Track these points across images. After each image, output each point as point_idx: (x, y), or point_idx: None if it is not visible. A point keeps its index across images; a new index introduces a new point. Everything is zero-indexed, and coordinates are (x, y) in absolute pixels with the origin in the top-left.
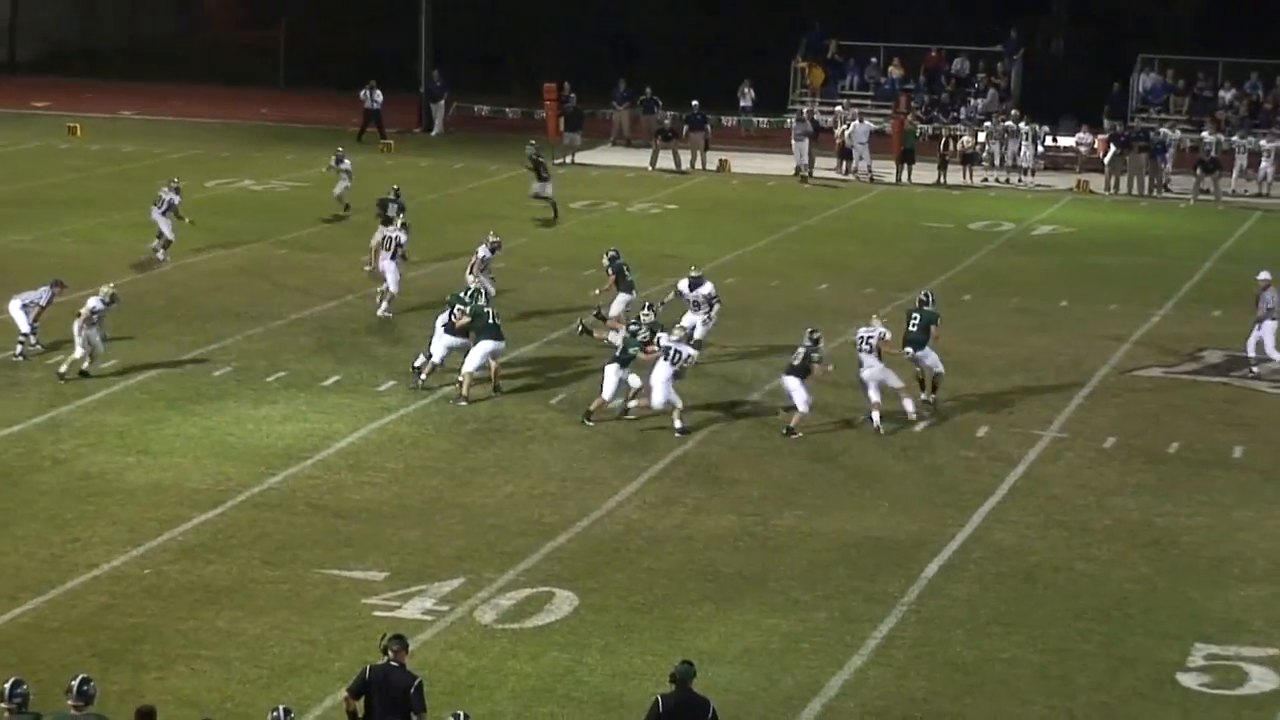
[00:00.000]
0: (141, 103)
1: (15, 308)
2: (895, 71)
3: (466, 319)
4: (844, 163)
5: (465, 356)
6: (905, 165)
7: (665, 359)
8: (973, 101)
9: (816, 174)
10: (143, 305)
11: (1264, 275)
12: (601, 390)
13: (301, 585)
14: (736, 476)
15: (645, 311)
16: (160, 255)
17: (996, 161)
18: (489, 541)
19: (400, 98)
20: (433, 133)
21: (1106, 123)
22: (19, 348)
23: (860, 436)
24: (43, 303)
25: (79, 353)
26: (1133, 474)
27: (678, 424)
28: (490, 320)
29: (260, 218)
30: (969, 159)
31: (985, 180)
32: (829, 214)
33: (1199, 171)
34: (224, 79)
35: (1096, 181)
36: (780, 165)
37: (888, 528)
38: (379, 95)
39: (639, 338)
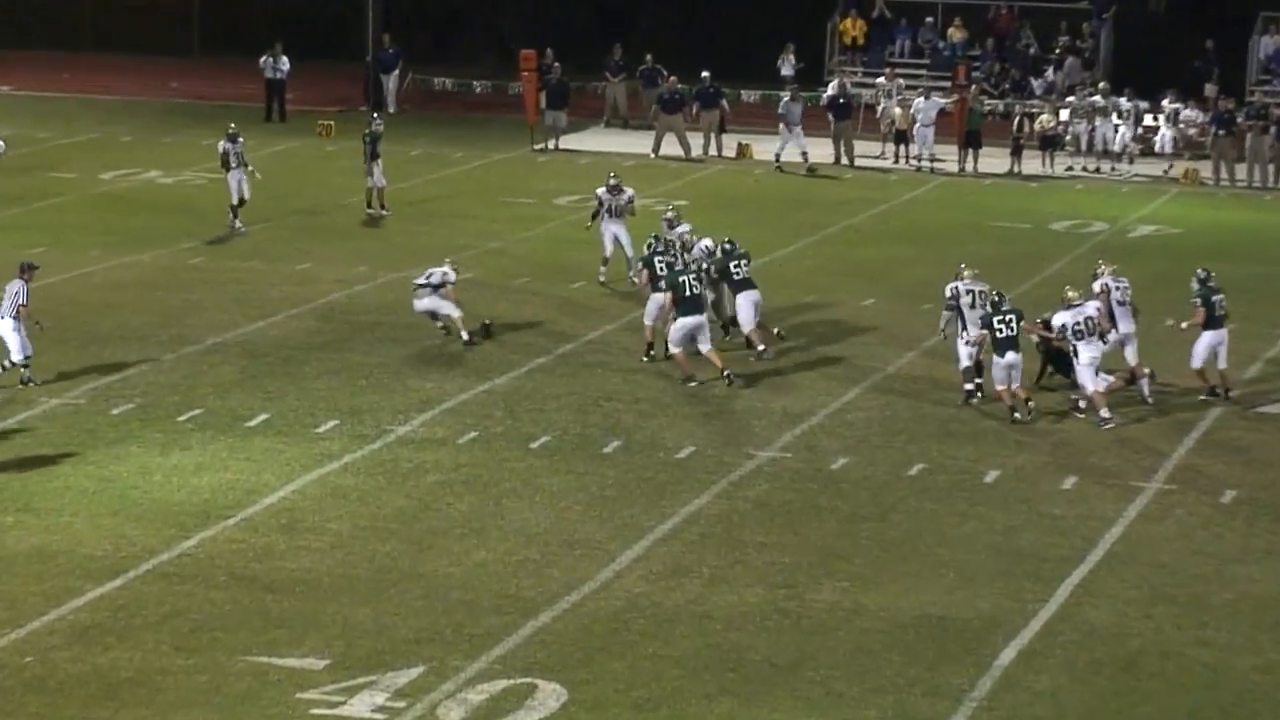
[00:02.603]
0: (21, 75)
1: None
2: (956, 34)
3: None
4: (897, 147)
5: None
6: (969, 151)
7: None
8: (1050, 73)
9: (859, 162)
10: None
11: None
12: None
13: (222, 676)
14: (763, 539)
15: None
16: (237, 224)
17: (1083, 146)
18: (455, 621)
19: (342, 68)
20: (385, 112)
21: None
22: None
23: (916, 488)
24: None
25: None
26: (1259, 535)
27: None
28: (688, 291)
29: (170, 217)
30: (1049, 143)
31: (1069, 169)
32: (875, 211)
33: None
34: (124, 46)
35: (1210, 170)
36: (816, 151)
37: (952, 604)
38: (284, 63)
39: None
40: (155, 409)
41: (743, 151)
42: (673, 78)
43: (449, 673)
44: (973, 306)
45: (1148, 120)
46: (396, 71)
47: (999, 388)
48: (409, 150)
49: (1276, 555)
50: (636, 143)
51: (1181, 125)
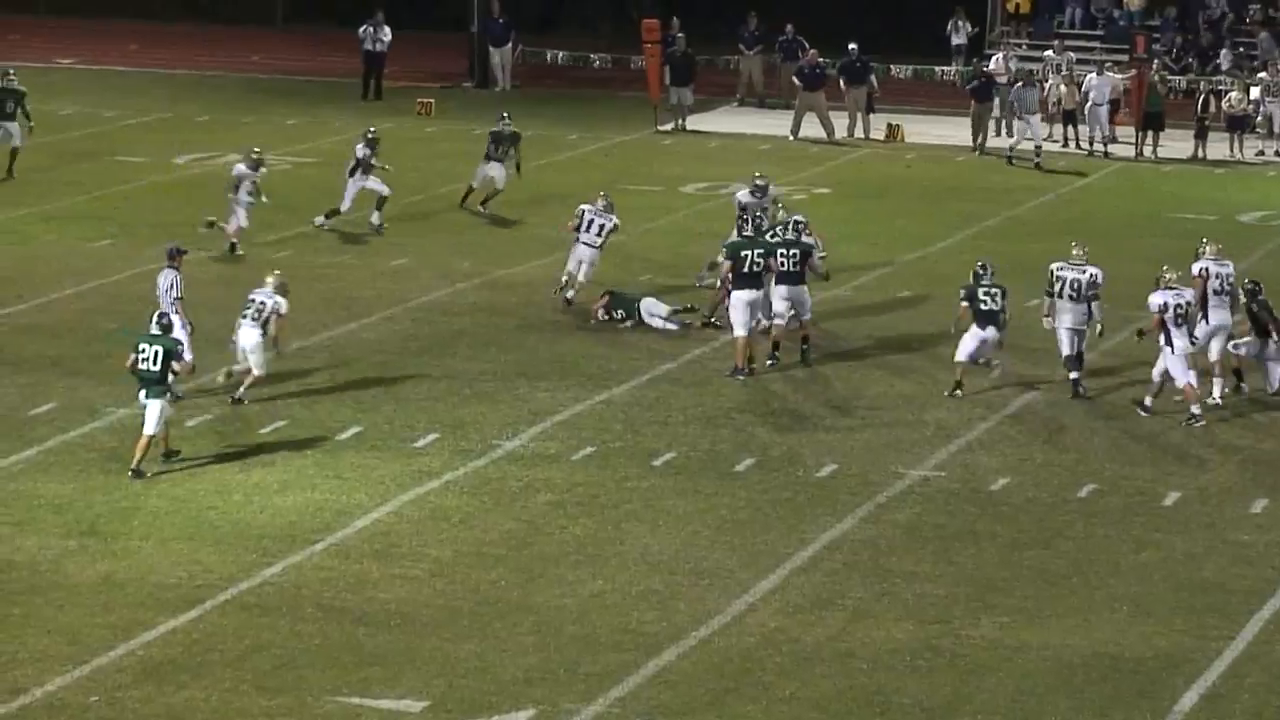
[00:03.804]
0: (86, 48)
1: None
2: (1134, 2)
3: None
4: (1065, 129)
5: None
6: (1149, 133)
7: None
8: (1238, 47)
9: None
10: (86, 327)
11: None
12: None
13: (309, 718)
14: (914, 568)
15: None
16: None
17: (1275, 128)
18: (569, 659)
19: (443, 39)
20: (494, 88)
21: None
22: None
23: (1085, 512)
24: None
25: None
26: None
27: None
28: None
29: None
30: (1237, 124)
31: (1261, 154)
32: (1040, 201)
33: None
34: (199, 14)
35: None
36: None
37: (1126, 641)
38: (386, 33)
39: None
40: (234, 420)
41: (893, 133)
42: (814, 51)
43: (562, 716)
44: (1062, 295)
45: None
46: (509, 45)
47: (960, 358)
48: (521, 131)
49: None
50: (773, 123)
51: None
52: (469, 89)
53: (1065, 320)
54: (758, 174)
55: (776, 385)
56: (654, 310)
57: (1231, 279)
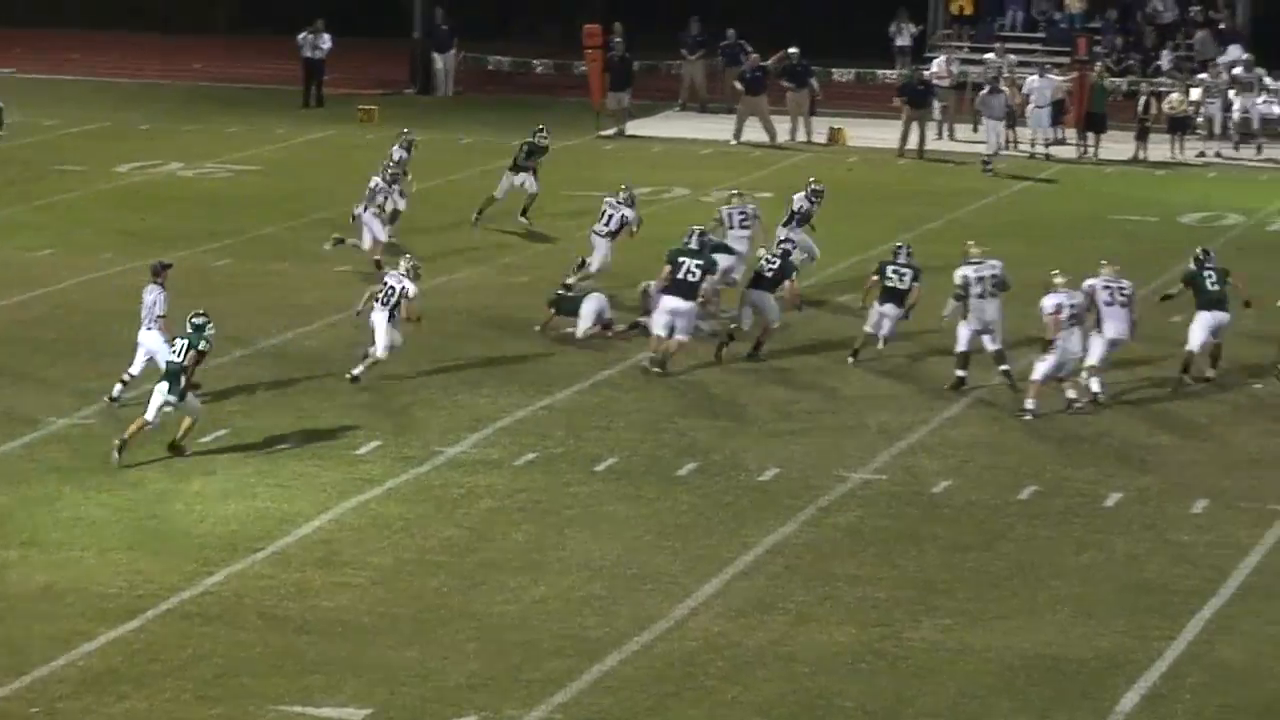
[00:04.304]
0: (24, 56)
1: None
2: (1075, 4)
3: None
4: (1007, 131)
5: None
6: (1090, 135)
7: None
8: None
9: (958, 148)
10: (27, 337)
11: None
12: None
13: None
14: (856, 571)
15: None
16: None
17: (1216, 129)
18: (511, 665)
19: (385, 46)
20: (435, 94)
21: None
22: None
23: (1027, 514)
24: None
25: None
26: None
27: None
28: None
29: (192, 215)
30: (1178, 126)
31: (1202, 155)
32: (983, 204)
33: None
34: (141, 23)
35: None
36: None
37: (1068, 642)
38: (325, 40)
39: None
40: (175, 429)
41: (835, 136)
42: (755, 55)
43: None
44: (981, 295)
45: None
46: (452, 51)
47: (867, 328)
48: (460, 138)
49: None
50: (715, 127)
51: None
52: (410, 95)
53: (986, 315)
54: (813, 179)
55: (718, 389)
56: (591, 309)
57: (1126, 290)
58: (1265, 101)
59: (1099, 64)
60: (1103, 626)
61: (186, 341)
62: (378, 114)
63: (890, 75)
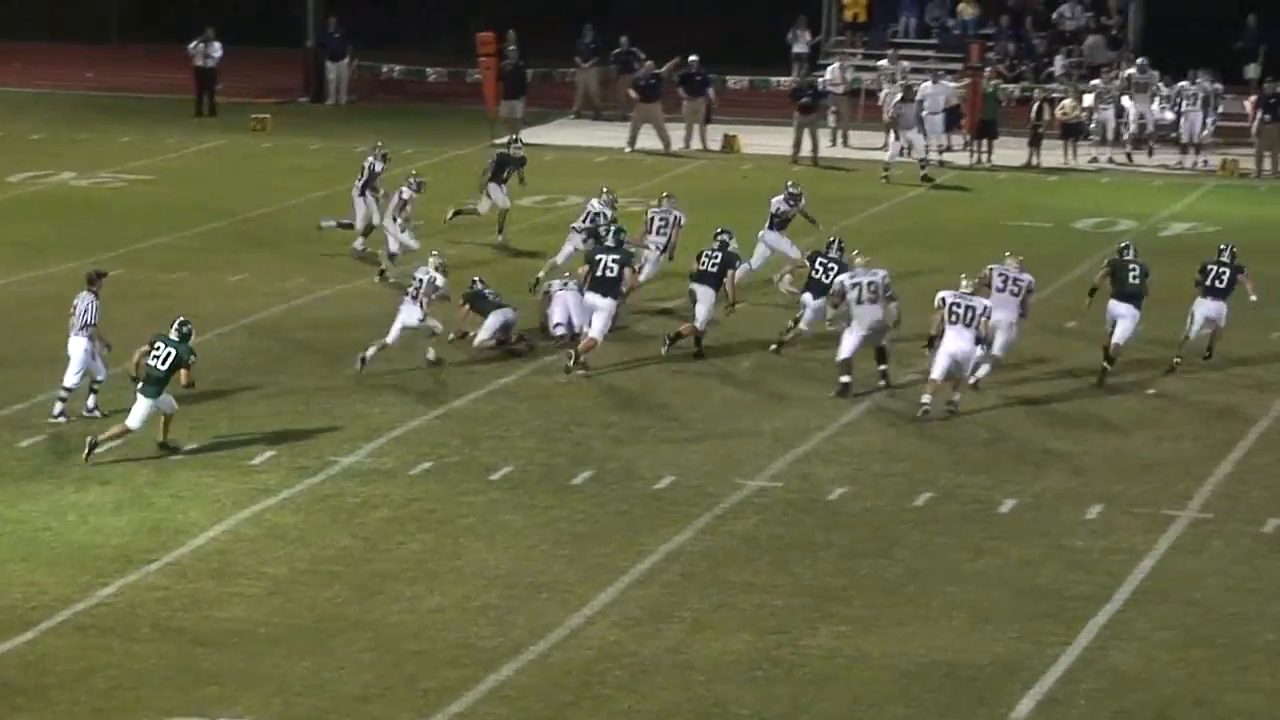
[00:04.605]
0: None
1: None
2: (967, 10)
3: None
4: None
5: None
6: (983, 141)
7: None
8: (1069, 53)
9: (853, 154)
10: None
11: None
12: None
13: None
14: (752, 579)
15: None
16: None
17: (1109, 135)
18: (407, 675)
19: (278, 55)
20: (328, 103)
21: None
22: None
23: (922, 520)
24: None
25: None
26: None
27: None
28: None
29: (85, 225)
30: (1071, 132)
31: (1095, 161)
32: (876, 210)
33: None
34: (32, 31)
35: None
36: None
37: (963, 648)
38: (216, 49)
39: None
40: (69, 440)
41: (729, 143)
42: (649, 62)
43: None
44: (859, 301)
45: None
46: (345, 59)
47: (803, 325)
48: (353, 146)
49: None
50: (610, 135)
51: (1217, 110)
52: (304, 104)
53: (866, 323)
54: (791, 182)
55: (614, 398)
56: (494, 323)
57: (1020, 282)
58: (1158, 107)
59: (988, 70)
60: (998, 632)
61: (172, 351)
62: (271, 123)
63: (784, 82)
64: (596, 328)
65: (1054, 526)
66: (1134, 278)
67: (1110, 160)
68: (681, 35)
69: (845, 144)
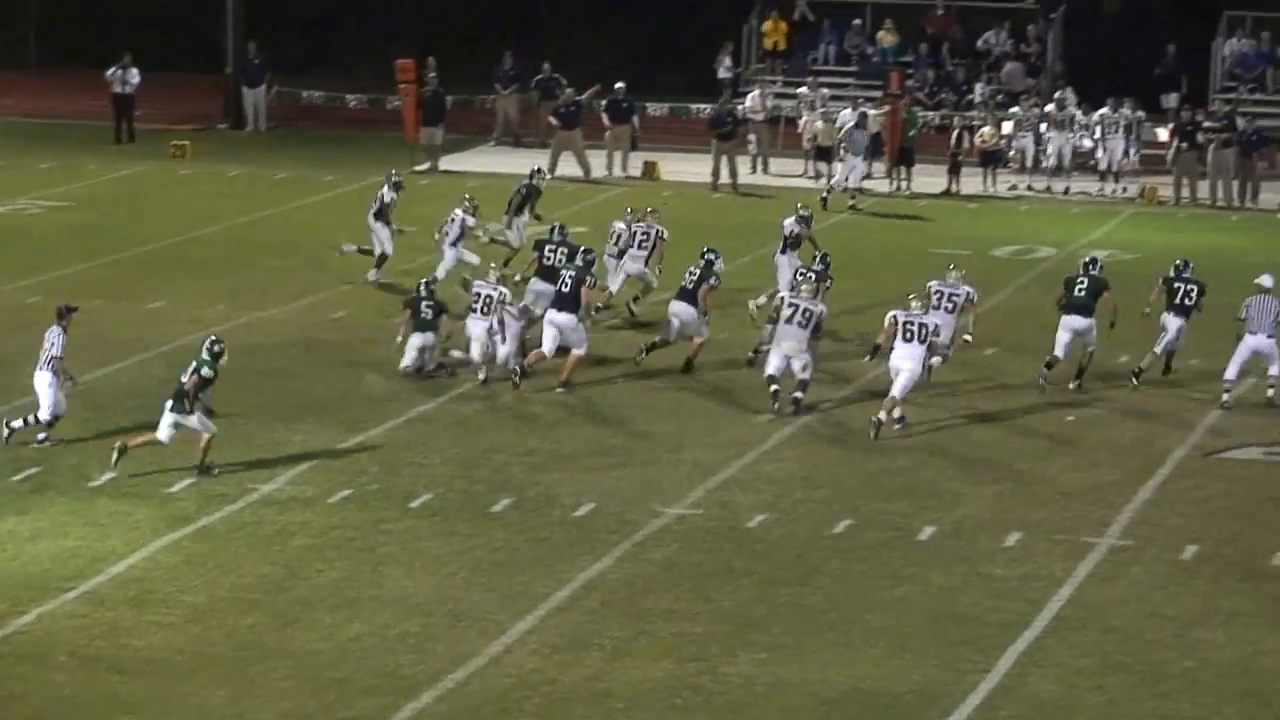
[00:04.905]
0: None
1: None
2: (887, 38)
3: None
4: (816, 164)
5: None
6: (902, 169)
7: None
8: (988, 81)
9: (772, 181)
10: None
11: None
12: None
13: None
14: (671, 606)
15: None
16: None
17: (1028, 162)
18: (326, 703)
19: (199, 81)
20: (248, 129)
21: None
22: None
23: (842, 548)
24: None
25: None
26: (1224, 596)
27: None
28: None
29: (5, 251)
30: (990, 159)
31: (1014, 188)
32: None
33: None
34: None
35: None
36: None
37: (882, 676)
38: (134, 75)
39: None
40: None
41: (650, 170)
42: (570, 89)
43: None
44: (789, 321)
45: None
46: (264, 86)
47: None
48: (273, 174)
49: (1241, 617)
50: (530, 162)
51: (1139, 138)
52: (224, 130)
53: (786, 346)
54: (801, 204)
55: (533, 424)
56: (418, 343)
57: (956, 296)
58: (1077, 135)
59: (905, 98)
60: (917, 660)
61: (195, 364)
62: (190, 149)
63: (705, 109)
64: (576, 344)
65: (973, 554)
66: (1080, 290)
67: (1029, 188)
68: (603, 62)
69: (765, 171)
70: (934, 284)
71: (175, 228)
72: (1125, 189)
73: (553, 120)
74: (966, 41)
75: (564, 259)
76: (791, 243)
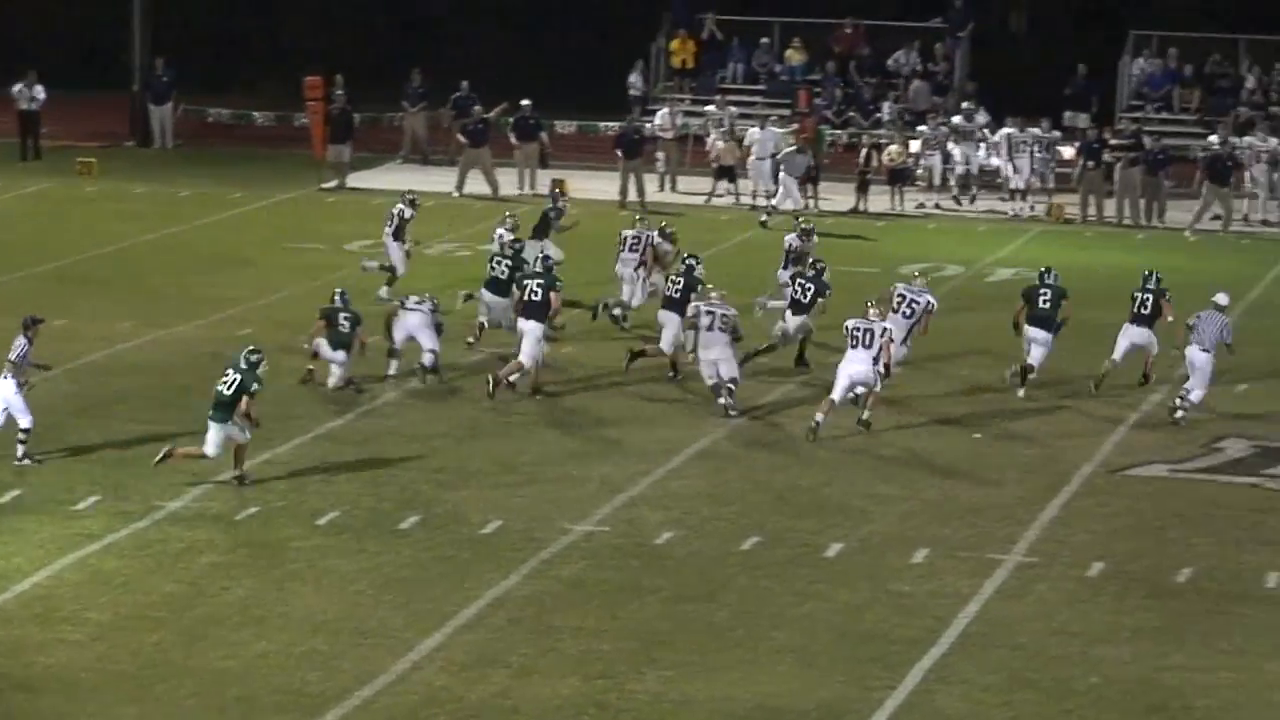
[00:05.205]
0: None
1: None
2: (795, 57)
3: None
4: (718, 182)
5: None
6: (809, 186)
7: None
8: (896, 99)
9: (680, 199)
10: None
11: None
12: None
13: None
14: (578, 624)
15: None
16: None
17: (936, 180)
18: None
19: (104, 99)
20: (154, 146)
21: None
22: None
23: (749, 564)
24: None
25: None
26: (1129, 613)
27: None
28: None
29: None
30: (898, 177)
31: (921, 206)
32: (706, 255)
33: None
34: None
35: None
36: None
37: (789, 693)
38: (39, 92)
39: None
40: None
41: (558, 188)
42: (477, 107)
43: None
44: (709, 328)
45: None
46: (170, 104)
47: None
48: (179, 191)
49: (1146, 634)
50: (438, 180)
51: (1046, 155)
52: (130, 148)
53: (712, 353)
54: (802, 220)
55: (441, 442)
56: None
57: (916, 303)
58: (984, 153)
59: (813, 116)
60: (824, 676)
61: (238, 378)
62: (96, 167)
63: (613, 127)
64: (526, 352)
65: (880, 570)
66: (1044, 302)
67: (937, 206)
68: (513, 80)
69: (673, 189)
70: (900, 287)
71: (81, 245)
72: (1033, 207)
73: (460, 138)
74: (875, 60)
75: (506, 270)
76: (794, 258)
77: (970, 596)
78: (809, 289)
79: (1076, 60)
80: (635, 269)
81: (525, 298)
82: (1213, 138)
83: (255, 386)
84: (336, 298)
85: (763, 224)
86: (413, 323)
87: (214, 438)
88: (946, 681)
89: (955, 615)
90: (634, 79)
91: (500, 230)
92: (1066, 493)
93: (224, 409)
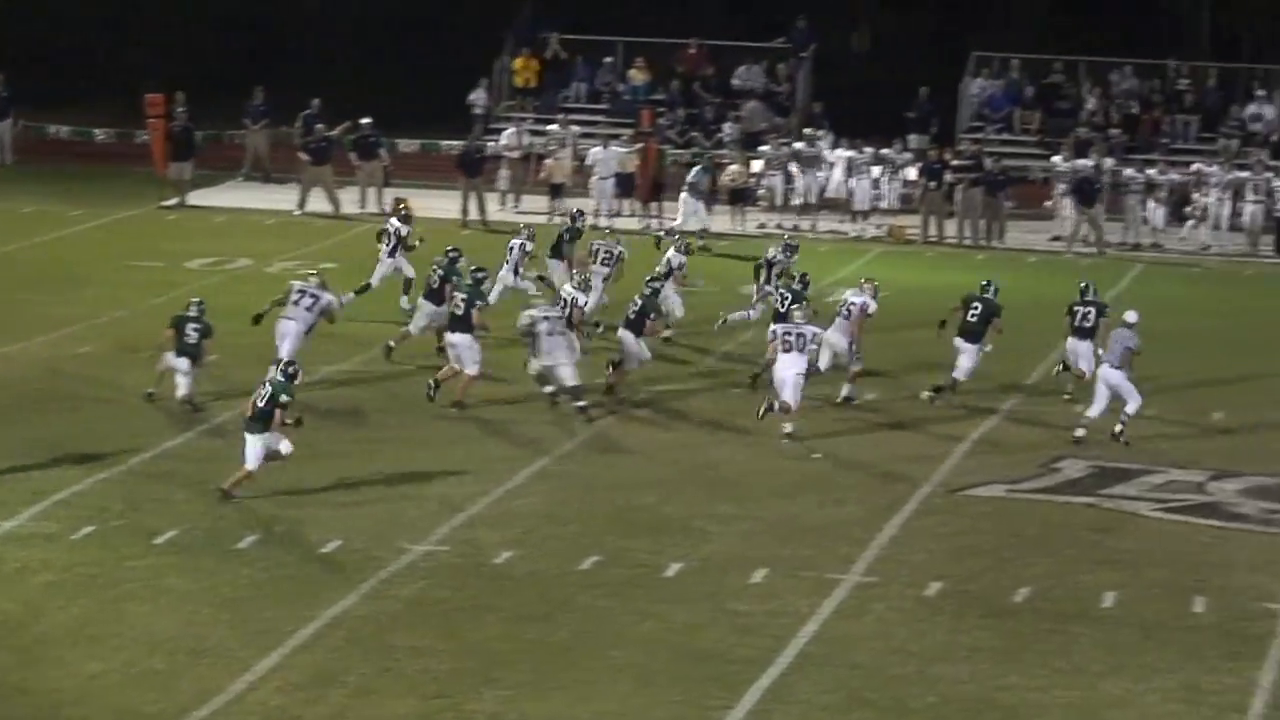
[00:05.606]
0: None
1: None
2: (639, 76)
3: None
4: (553, 202)
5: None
6: (654, 206)
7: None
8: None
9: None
10: None
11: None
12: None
13: None
14: (417, 643)
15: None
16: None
17: (778, 200)
18: None
19: None
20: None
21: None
22: None
23: (588, 584)
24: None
25: None
26: (966, 632)
27: None
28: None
29: None
30: (739, 197)
31: (763, 226)
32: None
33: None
34: None
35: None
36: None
37: (627, 712)
38: None
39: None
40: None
41: (399, 206)
42: (321, 125)
43: None
44: (550, 334)
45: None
46: (9, 119)
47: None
48: (19, 208)
49: (983, 653)
50: (279, 198)
51: (889, 176)
52: None
53: (554, 357)
54: (788, 235)
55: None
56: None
57: (853, 304)
58: (825, 174)
59: (656, 136)
60: (661, 696)
61: (272, 389)
62: None
63: (455, 145)
64: (466, 362)
65: (719, 590)
66: (971, 315)
67: (778, 226)
68: (356, 97)
69: (516, 207)
70: (847, 293)
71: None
72: (876, 227)
73: (302, 155)
74: (719, 80)
75: (439, 280)
76: (777, 269)
77: (809, 616)
78: (787, 298)
79: (919, 82)
80: (604, 280)
81: (451, 310)
82: (1084, 160)
83: (285, 398)
84: (192, 307)
85: (656, 240)
86: (288, 329)
87: (252, 450)
88: (784, 701)
89: (794, 634)
90: (476, 97)
91: (516, 242)
92: (905, 512)
93: (260, 421)
